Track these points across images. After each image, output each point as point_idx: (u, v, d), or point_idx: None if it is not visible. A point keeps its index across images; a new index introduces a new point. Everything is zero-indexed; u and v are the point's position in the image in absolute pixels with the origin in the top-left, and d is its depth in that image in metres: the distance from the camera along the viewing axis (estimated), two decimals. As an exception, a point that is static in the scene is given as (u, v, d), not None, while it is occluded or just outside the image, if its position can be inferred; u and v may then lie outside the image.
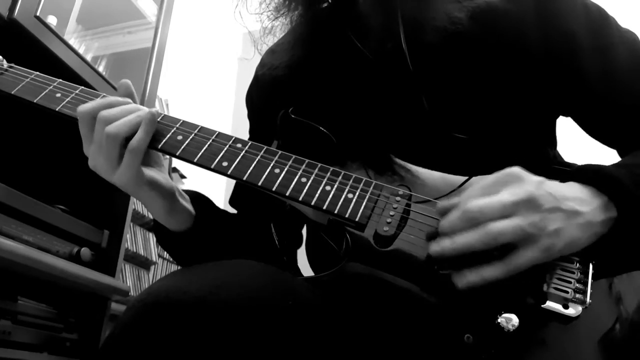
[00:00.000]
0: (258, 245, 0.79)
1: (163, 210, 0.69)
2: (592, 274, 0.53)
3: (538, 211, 0.51)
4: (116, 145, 0.62)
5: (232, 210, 0.86)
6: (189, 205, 0.73)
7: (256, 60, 0.89)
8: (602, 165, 0.57)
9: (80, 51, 1.29)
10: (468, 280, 0.51)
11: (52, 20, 1.32)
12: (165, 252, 2.22)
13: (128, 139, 0.62)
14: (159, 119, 0.67)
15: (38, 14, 1.12)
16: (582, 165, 0.58)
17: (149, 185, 0.66)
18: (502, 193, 0.52)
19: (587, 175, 0.56)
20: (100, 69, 1.59)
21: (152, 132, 0.64)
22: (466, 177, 0.61)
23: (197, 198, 0.76)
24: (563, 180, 0.56)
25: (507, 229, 0.50)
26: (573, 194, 0.54)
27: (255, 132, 0.88)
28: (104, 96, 0.70)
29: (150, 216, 2.05)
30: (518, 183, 0.52)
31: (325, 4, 0.79)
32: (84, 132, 0.65)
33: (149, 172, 0.66)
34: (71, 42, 1.31)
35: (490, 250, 0.51)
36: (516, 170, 0.54)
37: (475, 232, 0.51)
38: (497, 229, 0.50)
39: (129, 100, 0.67)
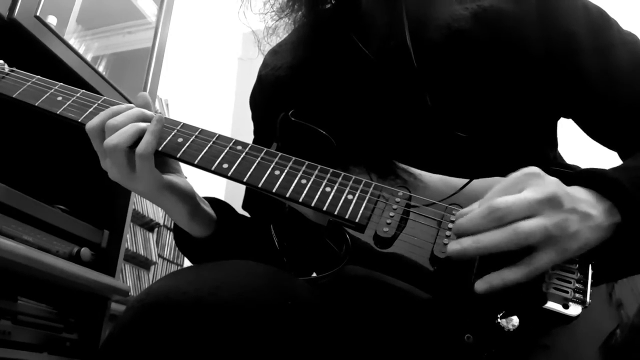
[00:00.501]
0: (274, 249, 0.79)
1: (186, 215, 0.69)
2: (592, 275, 0.53)
3: (561, 210, 0.50)
4: (121, 154, 0.62)
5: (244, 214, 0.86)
6: (210, 210, 0.73)
7: (258, 60, 0.89)
8: (604, 170, 0.56)
9: (80, 51, 1.29)
10: (490, 284, 0.50)
11: (52, 20, 1.32)
12: (165, 252, 2.23)
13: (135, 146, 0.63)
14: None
15: (38, 14, 1.12)
16: (583, 170, 0.58)
17: (169, 189, 0.66)
18: (526, 191, 0.51)
19: (589, 179, 0.55)
20: (100, 69, 1.60)
21: (159, 135, 0.64)
22: (467, 180, 0.61)
23: (216, 203, 0.76)
24: (565, 183, 0.56)
25: (537, 229, 0.49)
26: (583, 196, 0.53)
27: (259, 133, 0.88)
28: (104, 100, 0.70)
29: (150, 216, 2.06)
30: (540, 181, 0.52)
31: (329, 5, 0.79)
32: (97, 147, 0.66)
33: (168, 177, 0.67)
34: (71, 42, 1.31)
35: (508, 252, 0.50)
36: (535, 169, 0.53)
37: (504, 231, 0.49)
38: (527, 229, 0.49)
39: (132, 105, 0.67)
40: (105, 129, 0.64)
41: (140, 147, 0.62)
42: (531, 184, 0.51)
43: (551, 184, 0.51)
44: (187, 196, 0.68)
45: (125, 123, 0.63)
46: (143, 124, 0.64)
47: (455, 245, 0.51)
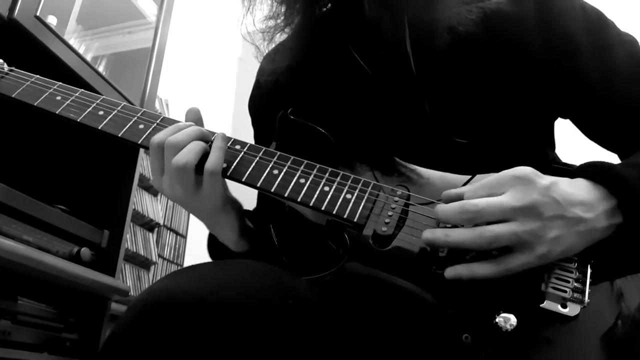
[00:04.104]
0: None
1: (237, 232, 0.68)
2: (591, 275, 0.53)
3: (538, 219, 0.51)
4: (190, 173, 0.61)
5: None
6: (249, 223, 0.73)
7: (258, 59, 0.89)
8: (613, 165, 0.56)
9: (80, 51, 1.29)
10: (457, 272, 0.52)
11: (52, 20, 1.32)
12: (165, 252, 2.23)
13: (198, 165, 0.62)
14: (158, 121, 0.68)
15: (38, 14, 1.12)
16: (592, 162, 0.57)
17: (231, 204, 0.66)
18: (505, 195, 0.51)
19: (598, 172, 0.55)
20: (100, 69, 1.60)
21: (225, 152, 0.63)
22: (469, 177, 0.61)
23: (247, 213, 0.76)
24: (573, 175, 0.56)
25: (502, 235, 0.50)
26: (580, 197, 0.53)
27: (258, 137, 0.88)
28: (103, 99, 0.70)
29: (150, 216, 2.06)
30: (524, 187, 0.52)
31: (325, 9, 0.79)
32: (155, 165, 0.64)
33: (224, 191, 0.66)
34: (71, 42, 1.31)
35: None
36: (526, 171, 0.53)
37: (471, 232, 0.51)
38: (493, 233, 0.50)
39: (191, 123, 0.66)
40: (165, 147, 0.62)
41: (211, 164, 0.61)
42: (514, 188, 0.52)
43: (535, 191, 0.51)
44: (241, 211, 0.68)
45: (186, 141, 0.62)
46: (204, 143, 0.63)
47: (428, 234, 0.53)
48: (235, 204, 0.67)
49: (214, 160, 0.62)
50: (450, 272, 0.52)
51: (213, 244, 0.74)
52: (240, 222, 0.69)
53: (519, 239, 0.50)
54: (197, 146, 0.62)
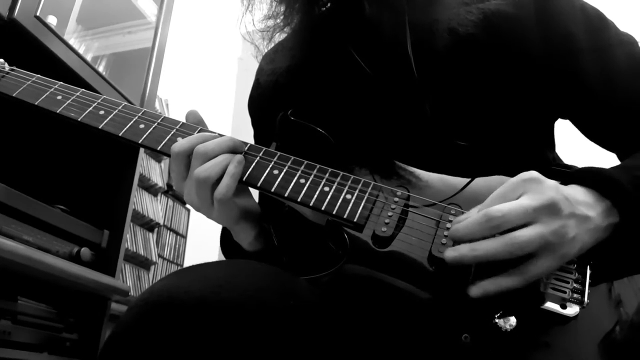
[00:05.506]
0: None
1: (253, 237, 0.68)
2: (591, 275, 0.53)
3: (559, 217, 0.50)
4: (207, 188, 0.61)
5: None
6: (266, 225, 0.73)
7: (258, 59, 0.89)
8: (603, 169, 0.56)
9: (80, 51, 1.29)
10: (484, 289, 0.50)
11: (52, 20, 1.32)
12: (165, 252, 2.23)
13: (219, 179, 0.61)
14: (159, 121, 0.68)
15: (38, 14, 1.12)
16: (582, 168, 0.58)
17: (244, 218, 0.66)
18: (523, 198, 0.51)
19: (589, 178, 0.55)
20: (100, 69, 1.60)
21: (239, 177, 0.62)
22: (469, 179, 0.61)
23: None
24: (564, 182, 0.56)
25: (533, 239, 0.49)
26: (581, 197, 0.53)
27: (259, 138, 0.88)
28: (104, 99, 0.70)
29: (150, 216, 2.06)
30: (538, 187, 0.51)
31: (324, 8, 0.79)
32: (178, 170, 0.63)
33: (243, 203, 0.65)
34: (71, 42, 1.31)
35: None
36: (534, 174, 0.52)
37: (500, 240, 0.49)
38: (524, 238, 0.49)
39: (222, 134, 0.66)
40: (193, 154, 0.61)
41: (220, 192, 0.60)
42: (529, 190, 0.51)
43: (549, 190, 0.51)
44: (256, 219, 0.68)
45: (216, 152, 0.61)
46: (229, 156, 0.62)
47: (452, 252, 0.51)
48: (251, 215, 0.67)
49: (223, 187, 0.60)
50: (476, 290, 0.51)
51: (226, 239, 0.74)
52: (256, 229, 0.68)
53: (546, 242, 0.49)
54: (223, 161, 0.61)
